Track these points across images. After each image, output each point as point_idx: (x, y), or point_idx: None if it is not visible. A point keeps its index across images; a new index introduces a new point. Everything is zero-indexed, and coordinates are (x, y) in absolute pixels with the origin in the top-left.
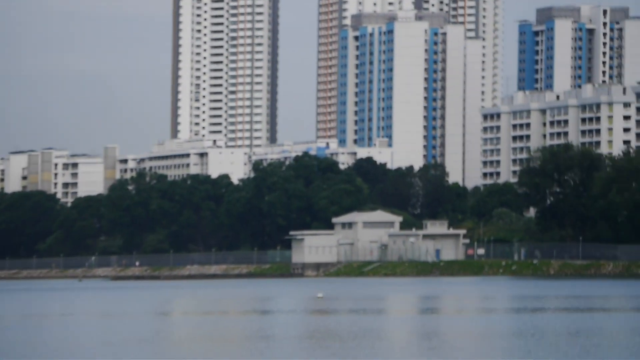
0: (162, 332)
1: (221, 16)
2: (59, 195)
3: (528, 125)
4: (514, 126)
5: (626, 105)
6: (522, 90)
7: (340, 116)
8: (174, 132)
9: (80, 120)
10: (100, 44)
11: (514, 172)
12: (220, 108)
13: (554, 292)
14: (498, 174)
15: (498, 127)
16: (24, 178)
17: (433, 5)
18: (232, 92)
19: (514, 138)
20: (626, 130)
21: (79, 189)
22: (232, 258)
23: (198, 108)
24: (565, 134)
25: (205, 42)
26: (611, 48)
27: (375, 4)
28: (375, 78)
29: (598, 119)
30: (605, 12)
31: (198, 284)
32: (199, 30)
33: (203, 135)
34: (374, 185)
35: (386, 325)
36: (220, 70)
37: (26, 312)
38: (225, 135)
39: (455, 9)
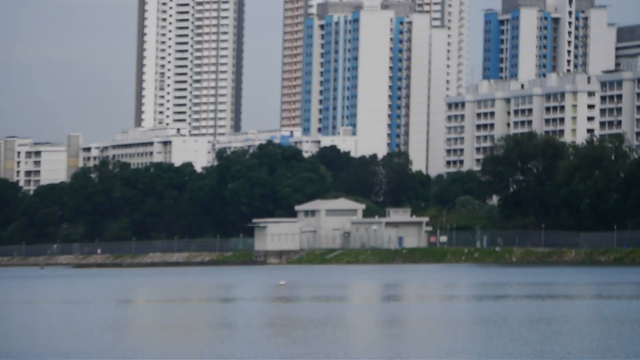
0: (124, 320)
1: (187, 4)
2: (21, 184)
3: (492, 114)
4: (478, 115)
5: (590, 94)
6: (487, 79)
7: (304, 105)
8: (138, 121)
9: (43, 109)
10: (64, 31)
11: (478, 161)
12: (184, 97)
13: (516, 279)
14: (462, 162)
15: (462, 116)
16: None
17: None
18: (197, 81)
19: (478, 127)
20: (590, 119)
21: (42, 177)
22: (195, 246)
23: (162, 97)
24: (529, 122)
25: (170, 31)
26: (576, 37)
27: None
28: (340, 67)
29: (562, 107)
30: (570, 1)
31: (160, 272)
32: (164, 19)
33: (167, 124)
34: (338, 174)
35: (348, 312)
36: (185, 59)
37: None
38: (189, 123)
39: None
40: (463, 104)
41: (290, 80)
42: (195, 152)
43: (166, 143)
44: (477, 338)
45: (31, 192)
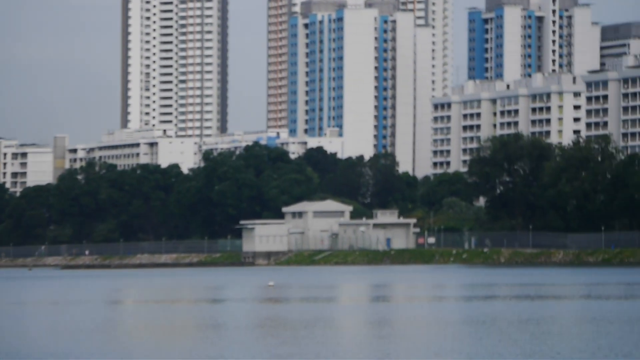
0: (113, 321)
1: (170, 3)
2: (7, 185)
3: (478, 114)
4: (464, 116)
5: (576, 94)
6: (473, 79)
7: (290, 106)
8: (124, 122)
9: (29, 110)
10: (49, 32)
11: (464, 162)
12: (170, 97)
13: (504, 280)
14: (448, 163)
15: (448, 117)
16: None
17: None
18: (182, 82)
19: (464, 127)
20: (576, 119)
21: (28, 179)
22: (183, 247)
23: (148, 97)
24: (516, 123)
25: (154, 30)
26: (561, 36)
27: None
28: (326, 67)
29: (548, 108)
30: None
31: (149, 273)
32: (148, 18)
33: (153, 125)
34: (325, 175)
35: (337, 313)
36: (170, 59)
37: None
38: (176, 125)
39: None
40: (449, 105)
41: (275, 80)
42: (181, 154)
43: (152, 144)
44: (466, 338)
45: (18, 194)
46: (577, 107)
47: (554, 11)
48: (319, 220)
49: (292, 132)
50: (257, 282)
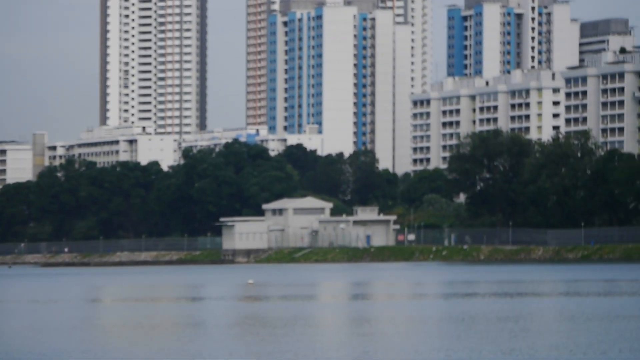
0: (91, 319)
1: (149, 1)
2: None
3: (458, 111)
4: (444, 112)
5: (555, 90)
6: (452, 76)
7: (270, 102)
8: (103, 119)
9: (7, 107)
10: (27, 28)
11: (444, 159)
12: (149, 95)
13: (484, 277)
14: (428, 160)
15: (428, 114)
16: None
17: None
18: (161, 79)
19: (444, 124)
20: (555, 115)
21: (8, 176)
22: (163, 245)
23: (127, 95)
24: (495, 120)
25: (133, 28)
26: (540, 33)
27: None
28: (305, 64)
29: (527, 104)
30: None
31: (128, 271)
32: (126, 16)
33: (132, 122)
34: (304, 172)
35: (317, 311)
36: (149, 56)
37: None
38: (155, 122)
39: None
40: (428, 102)
41: (255, 77)
42: (161, 151)
43: (132, 142)
44: (445, 336)
45: None
46: (556, 103)
47: (533, 8)
48: (299, 217)
49: (272, 129)
50: (236, 280)
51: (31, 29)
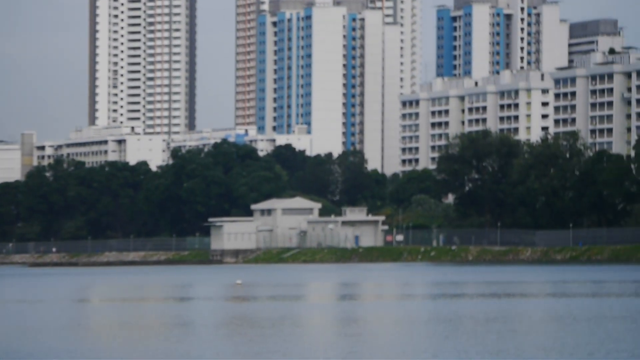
0: (80, 319)
1: (138, 0)
2: None
3: (447, 112)
4: (433, 113)
5: (544, 91)
6: (441, 76)
7: (259, 103)
8: (92, 119)
9: None
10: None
11: (433, 159)
12: (138, 95)
13: (472, 278)
14: (417, 160)
15: (417, 114)
16: None
17: None
18: (150, 79)
19: (433, 125)
20: (544, 116)
21: None
22: (151, 245)
23: (116, 95)
24: (484, 120)
25: (122, 28)
26: (529, 34)
27: None
28: (294, 64)
29: (516, 105)
30: None
31: (117, 271)
32: (116, 16)
33: (121, 122)
34: (293, 172)
35: (305, 311)
36: (138, 56)
37: None
38: (144, 122)
39: None
40: (417, 102)
41: (244, 78)
42: (150, 151)
43: (121, 142)
44: (433, 337)
45: None
46: (545, 104)
47: (522, 9)
48: (288, 217)
49: (261, 129)
50: (225, 280)
51: (20, 28)
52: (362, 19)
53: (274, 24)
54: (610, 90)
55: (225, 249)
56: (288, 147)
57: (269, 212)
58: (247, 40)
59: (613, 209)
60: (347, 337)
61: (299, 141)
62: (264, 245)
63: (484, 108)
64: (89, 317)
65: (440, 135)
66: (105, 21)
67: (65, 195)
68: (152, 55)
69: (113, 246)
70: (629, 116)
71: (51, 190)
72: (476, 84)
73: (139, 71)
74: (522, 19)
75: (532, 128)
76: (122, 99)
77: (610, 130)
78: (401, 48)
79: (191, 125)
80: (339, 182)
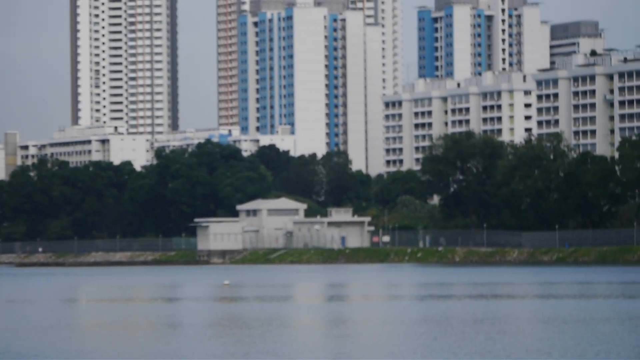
0: (69, 319)
1: (119, 0)
2: None
3: (430, 113)
4: (416, 114)
5: (527, 93)
6: (423, 77)
7: (241, 103)
8: (75, 119)
9: None
10: None
11: (417, 160)
12: (120, 94)
13: (460, 279)
14: (401, 161)
15: (400, 115)
16: None
17: None
18: (132, 79)
19: (416, 126)
20: (527, 117)
21: None
22: (137, 245)
23: (98, 94)
24: (467, 121)
25: (103, 27)
26: (510, 35)
27: None
28: (276, 64)
29: (499, 106)
30: None
31: (103, 271)
32: (96, 15)
33: (104, 122)
34: (278, 173)
35: (293, 312)
36: (120, 56)
37: None
38: (127, 122)
39: None
40: (400, 103)
41: (226, 78)
42: (133, 151)
43: (104, 141)
44: (421, 338)
45: None
46: (527, 106)
47: (503, 10)
48: (274, 218)
49: (244, 129)
50: (212, 281)
51: (1, 28)
52: (344, 20)
53: (255, 24)
54: (593, 92)
55: (212, 250)
56: (272, 148)
57: (254, 212)
58: (228, 40)
59: (598, 210)
60: (335, 338)
61: (283, 142)
62: (250, 245)
63: (467, 109)
64: (77, 317)
65: (423, 136)
66: (86, 20)
67: (50, 195)
68: (133, 55)
69: (99, 246)
70: (611, 118)
71: (35, 190)
72: (458, 85)
73: (120, 71)
74: (503, 20)
75: (515, 129)
76: (104, 98)
77: (593, 132)
78: (383, 49)
79: (174, 125)
80: (323, 182)
